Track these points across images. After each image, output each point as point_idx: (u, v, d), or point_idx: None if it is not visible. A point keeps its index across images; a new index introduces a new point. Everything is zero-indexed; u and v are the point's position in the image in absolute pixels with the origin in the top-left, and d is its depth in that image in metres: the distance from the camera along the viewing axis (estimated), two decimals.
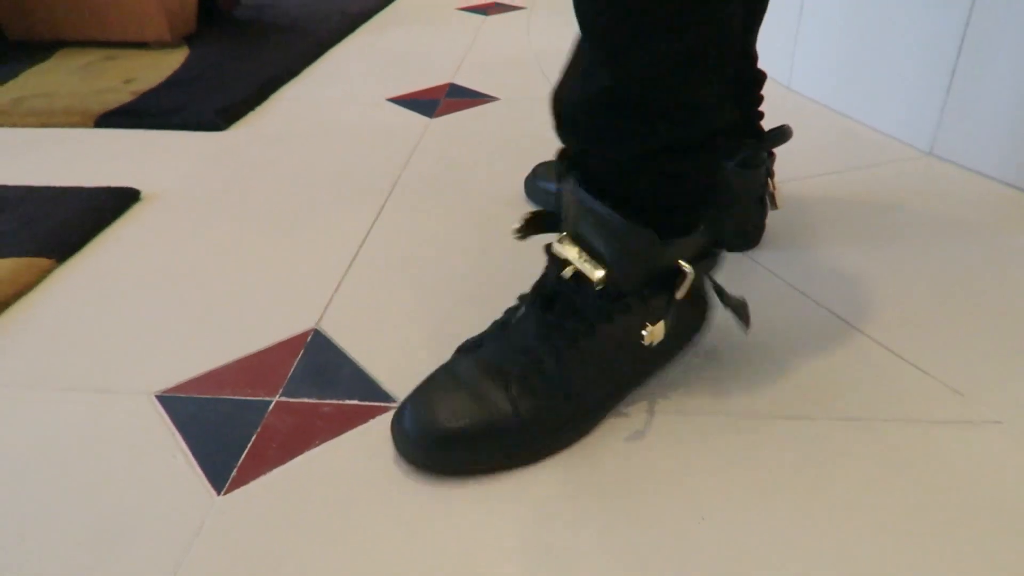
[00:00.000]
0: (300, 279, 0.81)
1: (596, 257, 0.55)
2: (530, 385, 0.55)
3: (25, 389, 0.66)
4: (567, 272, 0.56)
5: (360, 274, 0.81)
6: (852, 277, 0.79)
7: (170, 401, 0.64)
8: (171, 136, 1.20)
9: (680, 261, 0.56)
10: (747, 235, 0.81)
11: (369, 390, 0.64)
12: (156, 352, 0.70)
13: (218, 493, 0.55)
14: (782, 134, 0.74)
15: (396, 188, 1.01)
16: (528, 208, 0.94)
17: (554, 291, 0.57)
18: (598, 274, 0.54)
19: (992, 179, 0.98)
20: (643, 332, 0.55)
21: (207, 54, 1.59)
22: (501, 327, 0.60)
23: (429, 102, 1.32)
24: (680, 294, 0.57)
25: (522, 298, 0.61)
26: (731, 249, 0.78)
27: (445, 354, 0.66)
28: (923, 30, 1.03)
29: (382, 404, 0.63)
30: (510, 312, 0.61)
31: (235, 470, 0.57)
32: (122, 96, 1.34)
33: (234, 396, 0.64)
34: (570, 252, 0.56)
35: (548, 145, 1.12)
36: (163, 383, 0.66)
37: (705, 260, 0.59)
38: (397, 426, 0.56)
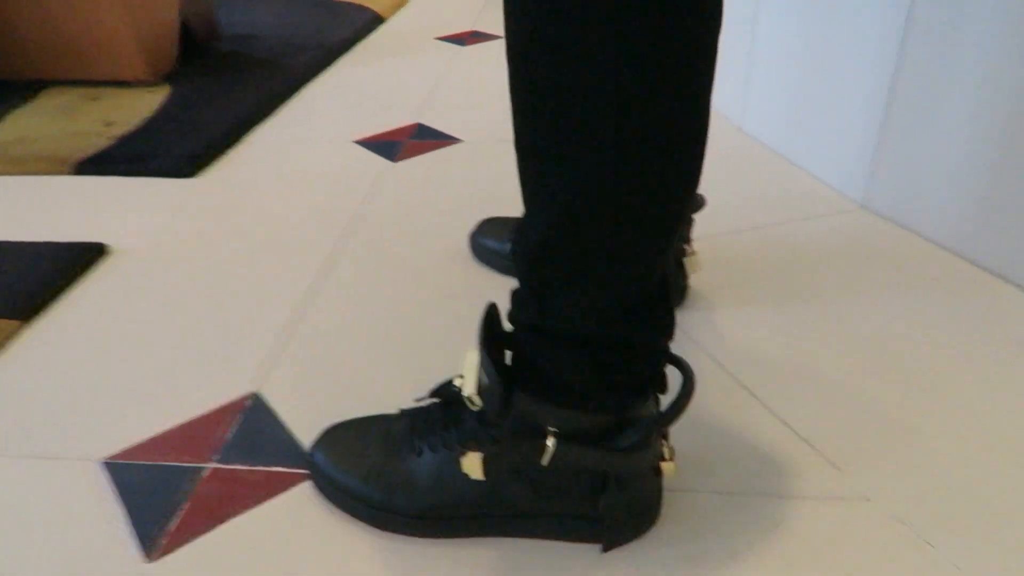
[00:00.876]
0: (245, 339, 0.86)
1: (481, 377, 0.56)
2: (386, 472, 0.61)
3: None
4: (457, 381, 0.58)
5: (304, 333, 0.87)
6: (765, 341, 0.84)
7: (115, 467, 0.70)
8: (142, 183, 1.26)
9: (551, 428, 0.53)
10: (640, 520, 0.61)
11: (299, 459, 0.70)
12: (107, 416, 0.76)
13: (147, 560, 0.61)
14: (673, 411, 0.55)
15: (347, 240, 1.06)
16: (474, 266, 1.00)
17: (450, 395, 0.60)
18: (467, 391, 0.55)
19: (920, 236, 1.03)
20: (462, 458, 0.56)
21: (186, 93, 1.64)
22: (424, 409, 0.64)
23: (393, 144, 1.38)
24: (543, 460, 0.54)
25: (431, 392, 0.64)
26: (620, 540, 0.60)
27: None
28: (856, 81, 1.07)
29: (307, 472, 0.68)
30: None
31: (165, 537, 0.63)
32: (101, 140, 1.40)
33: (173, 462, 0.70)
34: (468, 363, 0.57)
35: (503, 194, 1.17)
36: (110, 449, 0.72)
37: (592, 450, 0.54)
38: (311, 449, 0.67)
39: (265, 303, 0.93)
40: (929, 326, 0.85)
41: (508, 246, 0.97)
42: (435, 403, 0.63)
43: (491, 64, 1.82)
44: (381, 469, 0.61)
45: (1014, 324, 0.85)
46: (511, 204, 1.08)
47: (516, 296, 0.56)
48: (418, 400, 0.64)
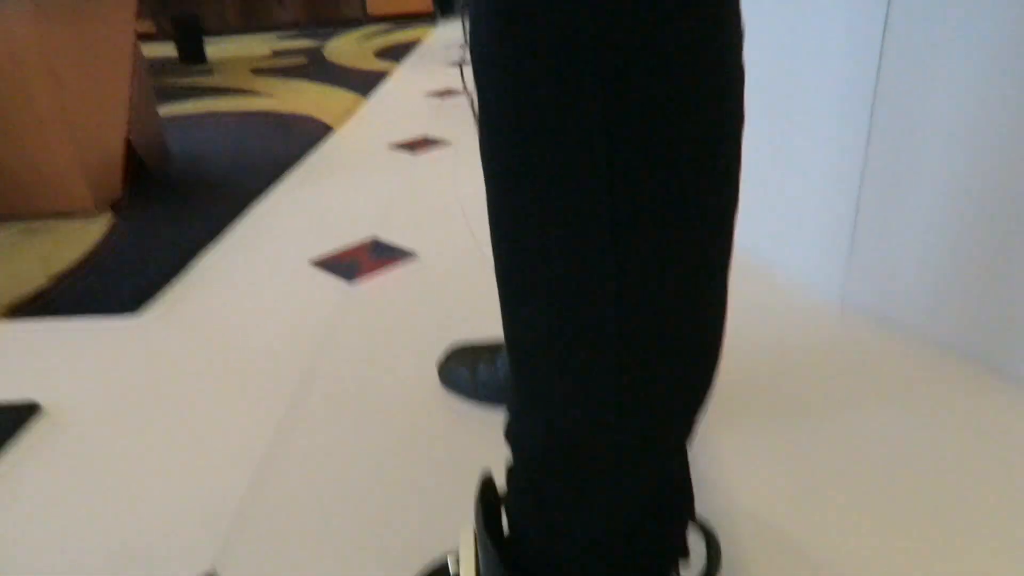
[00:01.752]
0: (199, 509, 0.77)
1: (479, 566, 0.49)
2: None
3: None
4: (452, 566, 0.52)
5: (266, 500, 0.78)
6: (739, 464, 0.78)
7: None
8: (83, 326, 1.18)
9: None
10: None
11: None
12: None
13: None
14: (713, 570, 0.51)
15: (309, 383, 0.99)
16: (443, 395, 0.93)
17: None
18: None
19: (899, 332, 1.00)
20: None
21: (130, 222, 1.58)
22: None
23: (350, 265, 1.33)
24: None
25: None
26: None
27: None
28: (825, 178, 1.06)
29: None
30: None
31: None
32: (38, 280, 1.32)
33: None
34: (464, 543, 0.51)
35: (468, 311, 1.13)
36: None
37: None
38: None
39: (221, 464, 0.85)
40: (937, 443, 0.81)
41: (479, 374, 0.91)
42: None
43: (445, 172, 1.80)
44: None
45: (1016, 425, 0.81)
46: (483, 318, 1.03)
47: (512, 481, 0.48)
48: None
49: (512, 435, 0.46)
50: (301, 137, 2.15)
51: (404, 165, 1.88)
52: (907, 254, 0.96)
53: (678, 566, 0.50)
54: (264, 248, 1.43)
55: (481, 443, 0.48)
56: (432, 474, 0.80)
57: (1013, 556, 0.64)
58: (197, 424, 0.91)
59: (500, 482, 0.50)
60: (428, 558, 0.67)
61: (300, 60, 3.66)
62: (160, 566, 0.70)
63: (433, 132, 2.16)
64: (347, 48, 3.98)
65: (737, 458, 0.78)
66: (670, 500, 0.47)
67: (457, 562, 0.50)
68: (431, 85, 2.83)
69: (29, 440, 0.91)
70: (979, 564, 0.64)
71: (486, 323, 1.07)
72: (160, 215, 1.61)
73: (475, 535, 0.50)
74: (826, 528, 0.69)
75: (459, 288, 1.21)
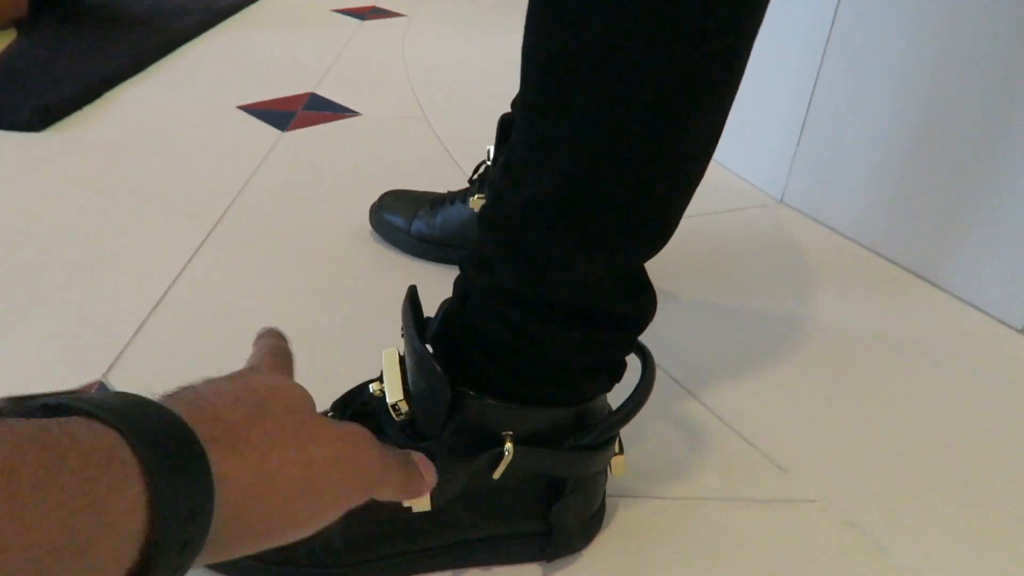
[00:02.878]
0: (96, 319, 0.71)
1: (405, 382, 0.45)
2: None
3: None
4: (374, 387, 0.47)
5: (167, 317, 0.73)
6: (691, 335, 0.78)
7: None
8: None
9: (506, 432, 0.44)
10: (589, 525, 0.53)
11: None
12: None
13: None
14: (640, 396, 0.48)
15: (229, 212, 0.92)
16: (376, 245, 0.88)
17: (362, 406, 0.48)
18: (392, 398, 0.44)
19: (834, 231, 1.01)
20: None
21: (37, 43, 1.42)
22: None
23: (284, 113, 1.24)
24: (496, 473, 0.44)
25: (334, 405, 0.51)
26: (572, 549, 0.52)
27: None
28: (779, 78, 1.05)
29: None
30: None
31: None
32: None
33: None
34: (389, 362, 0.46)
35: (406, 172, 1.07)
36: None
37: (557, 453, 0.46)
38: None
39: (124, 280, 0.78)
40: (856, 323, 0.82)
41: (416, 224, 0.86)
42: (330, 415, 0.50)
43: (394, 41, 1.70)
44: None
45: (938, 320, 0.83)
46: (417, 181, 0.98)
47: (483, 264, 0.44)
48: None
49: (502, 200, 0.41)
50: None
51: (350, 29, 1.76)
52: (848, 161, 0.97)
53: (610, 386, 0.49)
54: (189, 88, 1.32)
55: (407, 285, 0.45)
56: (354, 309, 0.75)
57: (927, 425, 0.66)
58: (107, 241, 0.83)
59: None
60: (336, 391, 0.63)
61: None
62: (50, 370, 0.64)
63: (384, 3, 2.03)
64: None
65: (666, 323, 0.78)
66: (645, 287, 0.45)
67: (379, 382, 0.46)
68: None
69: None
70: (894, 434, 0.66)
71: (428, 184, 1.02)
72: (72, 40, 1.45)
73: (398, 353, 0.46)
74: (744, 398, 0.69)
75: (400, 149, 1.14)
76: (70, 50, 1.39)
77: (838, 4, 0.94)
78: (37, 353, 0.66)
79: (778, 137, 1.07)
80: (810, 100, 1.00)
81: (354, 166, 1.07)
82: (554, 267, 0.41)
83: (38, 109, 1.11)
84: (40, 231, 0.85)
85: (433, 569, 0.50)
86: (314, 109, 1.27)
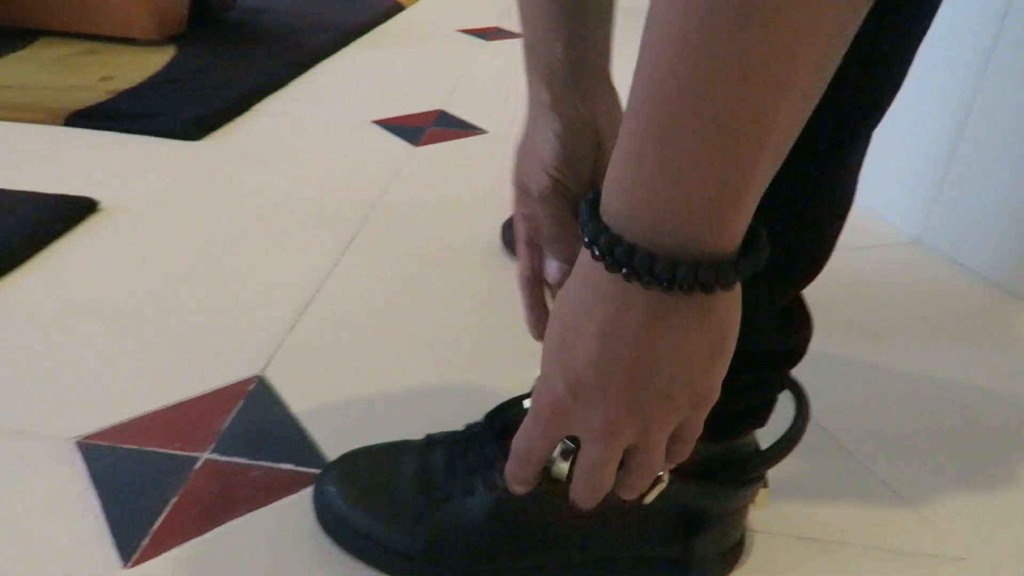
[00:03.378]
0: (251, 318, 0.76)
1: None
2: (432, 522, 0.49)
3: None
4: (528, 403, 0.48)
5: (316, 318, 0.77)
6: (830, 379, 0.76)
7: (91, 449, 0.59)
8: (142, 142, 1.16)
9: None
10: (727, 557, 0.53)
11: (306, 455, 0.60)
12: (85, 390, 0.65)
13: (125, 565, 0.50)
14: (794, 435, 0.48)
15: (368, 223, 0.97)
16: (506, 262, 0.91)
17: (515, 419, 0.48)
18: None
19: (976, 274, 0.96)
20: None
21: (193, 56, 1.54)
22: (463, 436, 0.52)
23: (415, 128, 1.29)
24: (647, 498, 0.43)
25: (488, 416, 0.52)
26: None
27: (397, 423, 0.63)
28: (923, 122, 1.01)
29: (316, 472, 0.58)
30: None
31: (148, 538, 0.52)
32: (97, 94, 1.29)
33: (160, 449, 0.60)
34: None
35: None
36: (86, 427, 0.61)
37: (707, 485, 0.46)
38: (318, 480, 0.53)
39: (275, 280, 0.83)
40: (998, 371, 0.77)
41: None
42: (481, 429, 0.51)
43: (517, 61, 1.74)
44: (421, 513, 0.49)
45: None
46: None
47: None
48: (469, 426, 0.53)
49: None
50: (370, 9, 2.08)
51: (475, 49, 1.82)
52: (995, 201, 0.92)
53: (763, 423, 0.48)
54: (327, 102, 1.39)
55: None
56: (483, 328, 0.78)
57: None
58: (257, 242, 0.89)
59: None
60: (473, 395, 0.65)
61: None
62: (206, 366, 0.69)
63: (507, 24, 2.08)
64: None
65: (809, 375, 0.76)
66: (795, 313, 0.45)
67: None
68: None
69: (85, 232, 0.89)
70: None
71: None
72: (223, 55, 1.56)
73: None
74: (889, 447, 0.67)
75: None
76: (222, 64, 1.50)
77: (997, 34, 0.90)
78: (198, 348, 0.71)
79: (920, 172, 1.02)
80: (960, 134, 0.96)
81: (482, 182, 1.10)
82: None
83: (196, 119, 1.20)
84: (199, 234, 0.91)
85: None
86: (443, 126, 1.31)
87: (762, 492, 0.51)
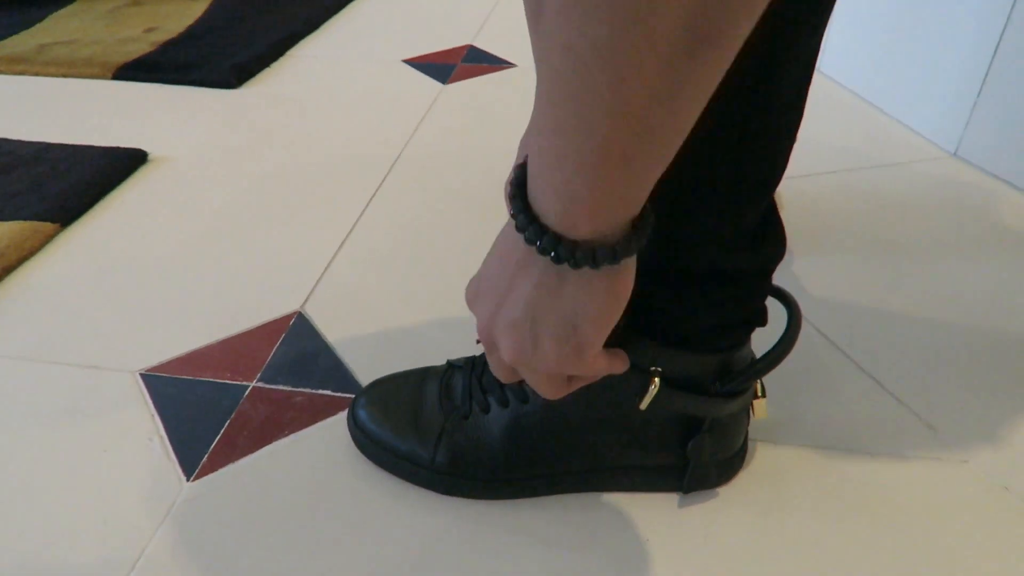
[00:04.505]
0: (291, 257, 0.82)
1: None
2: (453, 438, 0.54)
3: (19, 360, 0.69)
4: None
5: (351, 256, 0.82)
6: (848, 291, 0.77)
7: (153, 380, 0.66)
8: (186, 92, 1.21)
9: (655, 368, 0.48)
10: (729, 464, 0.56)
11: (343, 381, 0.66)
12: (145, 328, 0.72)
13: (188, 479, 0.57)
14: (783, 348, 0.50)
15: (398, 162, 1.00)
16: None
17: None
18: None
19: (1013, 187, 0.94)
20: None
21: (230, 3, 1.57)
22: (481, 359, 0.57)
23: (445, 66, 1.30)
24: (642, 404, 0.48)
25: None
26: (708, 485, 0.56)
27: (425, 350, 0.67)
28: (960, 30, 0.97)
29: (352, 396, 0.64)
30: None
31: (206, 456, 0.59)
32: (142, 46, 1.34)
33: (214, 379, 0.66)
34: None
35: None
36: (148, 361, 0.68)
37: (694, 395, 0.49)
38: (351, 405, 0.59)
39: (311, 222, 0.88)
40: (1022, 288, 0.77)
41: None
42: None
43: None
44: (443, 431, 0.55)
45: None
46: None
47: None
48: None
49: None
50: None
51: None
52: None
53: (749, 334, 0.51)
54: (359, 43, 1.41)
55: None
56: None
57: None
58: (295, 186, 0.94)
59: None
60: None
61: None
62: (251, 303, 0.75)
63: None
64: None
65: (816, 278, 0.77)
66: (768, 230, 0.47)
67: None
68: None
69: (138, 182, 0.96)
70: None
71: None
72: (256, 1, 1.59)
73: None
74: (895, 355, 0.69)
75: None
76: (257, 9, 1.53)
77: None
78: (244, 287, 0.77)
79: (956, 82, 0.99)
80: (999, 41, 0.93)
81: (513, 117, 1.12)
82: (678, 229, 0.43)
83: (235, 67, 1.24)
84: (240, 181, 0.97)
85: (577, 490, 0.56)
86: (473, 61, 1.32)
87: (760, 402, 0.54)
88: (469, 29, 1.47)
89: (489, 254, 0.38)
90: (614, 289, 0.35)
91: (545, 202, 0.32)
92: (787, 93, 0.40)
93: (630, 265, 0.35)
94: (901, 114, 1.10)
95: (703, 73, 0.26)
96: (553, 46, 0.27)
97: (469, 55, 1.35)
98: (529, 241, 0.33)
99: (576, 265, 0.33)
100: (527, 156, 0.33)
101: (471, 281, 0.40)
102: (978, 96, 0.97)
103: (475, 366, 0.56)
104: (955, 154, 1.01)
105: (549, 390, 0.40)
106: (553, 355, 0.36)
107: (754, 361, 0.50)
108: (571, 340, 0.36)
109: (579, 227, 0.32)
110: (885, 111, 1.12)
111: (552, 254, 0.32)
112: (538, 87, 0.30)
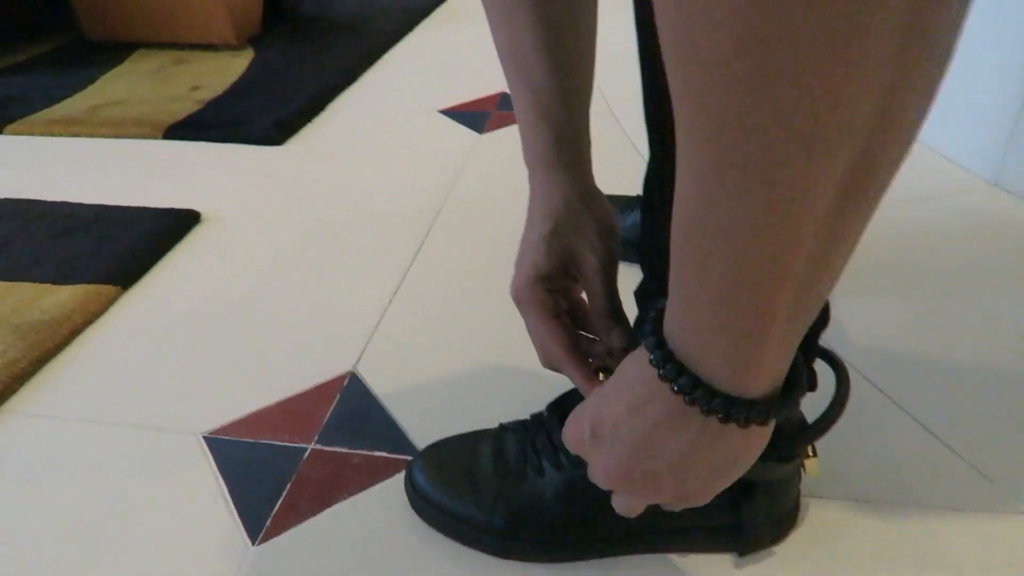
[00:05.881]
0: (342, 314, 0.84)
1: None
2: (509, 500, 0.56)
3: (87, 423, 0.72)
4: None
5: (400, 312, 0.84)
6: (890, 333, 0.77)
7: (215, 443, 0.69)
8: (232, 150, 1.26)
9: None
10: (781, 523, 0.57)
11: (397, 442, 0.68)
12: (205, 389, 0.75)
13: (253, 542, 0.59)
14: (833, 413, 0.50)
15: (442, 214, 1.03)
16: None
17: (568, 407, 0.54)
18: None
19: None
20: None
21: (270, 58, 1.63)
22: (532, 423, 0.58)
23: (479, 114, 1.33)
24: None
25: (549, 406, 0.58)
26: (762, 545, 0.56)
27: (478, 409, 0.69)
28: (996, 53, 0.97)
29: (408, 457, 0.66)
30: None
31: (270, 519, 0.61)
32: (189, 105, 1.40)
33: (273, 441, 0.69)
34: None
35: (600, 168, 1.12)
36: (210, 423, 0.71)
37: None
38: (407, 468, 0.61)
39: (361, 276, 0.91)
40: None
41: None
42: (546, 415, 0.57)
43: None
44: (499, 494, 0.56)
45: None
46: (605, 178, 1.03)
47: (646, 300, 0.50)
48: (535, 415, 0.59)
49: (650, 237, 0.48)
50: None
51: None
52: None
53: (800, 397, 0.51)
54: (395, 94, 1.45)
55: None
56: None
57: None
58: (341, 243, 0.97)
59: None
60: (540, 383, 0.71)
61: None
62: (305, 364, 0.78)
63: None
64: None
65: (857, 321, 0.77)
66: None
67: None
68: None
69: (192, 242, 1.00)
70: None
71: (620, 180, 1.07)
72: (296, 53, 1.65)
73: None
74: (944, 401, 0.68)
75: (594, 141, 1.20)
76: (296, 62, 1.59)
77: None
78: (298, 346, 0.80)
79: (994, 111, 0.99)
80: None
81: None
82: None
83: (278, 124, 1.29)
84: (287, 237, 1.00)
85: (635, 552, 0.57)
86: (506, 108, 1.35)
87: (812, 461, 0.54)
88: (500, 74, 1.50)
89: (608, 396, 0.37)
90: (749, 446, 0.36)
91: (711, 367, 0.32)
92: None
93: (771, 425, 0.36)
94: (936, 142, 1.10)
95: (854, 231, 0.27)
96: (707, 224, 0.27)
97: (503, 101, 1.38)
98: (697, 403, 0.32)
99: (746, 424, 0.33)
100: (665, 319, 0.34)
101: (579, 416, 0.40)
102: (1016, 122, 0.96)
103: (528, 429, 0.58)
104: (995, 183, 1.01)
105: (631, 511, 0.42)
106: (698, 495, 0.37)
107: (805, 426, 0.51)
108: (718, 483, 0.37)
109: (753, 388, 0.32)
110: (924, 142, 1.12)
111: (721, 415, 0.33)
112: (675, 264, 0.31)
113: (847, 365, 0.51)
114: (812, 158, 0.22)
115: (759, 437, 0.35)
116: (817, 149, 0.22)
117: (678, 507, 0.40)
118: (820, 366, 0.52)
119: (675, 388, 0.33)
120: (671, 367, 0.33)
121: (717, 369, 0.32)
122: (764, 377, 0.32)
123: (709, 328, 0.31)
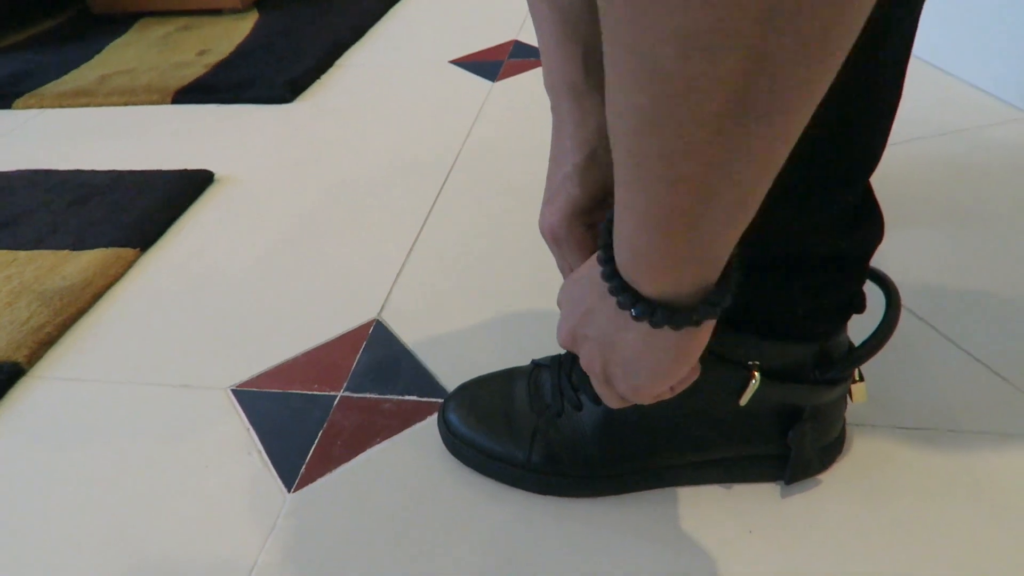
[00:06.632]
0: (363, 266, 0.83)
1: None
2: (547, 437, 0.54)
3: (116, 384, 0.71)
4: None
5: (420, 260, 0.83)
6: (931, 265, 0.74)
7: (244, 396, 0.68)
8: (243, 110, 1.24)
9: (752, 363, 0.47)
10: (828, 451, 0.55)
11: (427, 386, 0.67)
12: (230, 345, 0.74)
13: (289, 491, 0.59)
14: (884, 334, 0.49)
15: (457, 163, 1.01)
16: None
17: None
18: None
19: None
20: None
21: (275, 19, 1.60)
22: (568, 356, 0.57)
23: (492, 64, 1.30)
24: (742, 400, 0.48)
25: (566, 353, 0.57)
26: (809, 473, 0.55)
27: (505, 349, 0.68)
28: None
29: (439, 401, 0.65)
30: None
31: (304, 467, 0.61)
32: (196, 70, 1.38)
33: (302, 391, 0.68)
34: None
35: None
36: (237, 377, 0.70)
37: (798, 386, 0.49)
38: (440, 411, 0.60)
39: (379, 229, 0.89)
40: None
41: None
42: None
43: None
44: (536, 430, 0.55)
45: None
46: None
47: None
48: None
49: None
50: None
51: None
52: None
53: (847, 320, 0.50)
54: (404, 47, 1.42)
55: None
56: None
57: None
58: (357, 196, 0.96)
59: None
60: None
61: None
62: (329, 314, 0.76)
63: None
64: None
65: (899, 254, 0.75)
66: (866, 212, 0.45)
67: None
68: None
69: (206, 202, 0.98)
70: None
71: None
72: (301, 14, 1.61)
73: None
74: (989, 329, 0.66)
75: None
76: (302, 22, 1.55)
77: None
78: (321, 298, 0.79)
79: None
80: None
81: None
82: (767, 218, 0.42)
83: (288, 82, 1.26)
84: (304, 194, 0.98)
85: (677, 484, 0.55)
86: (519, 56, 1.32)
87: (859, 386, 0.53)
88: (512, 24, 1.47)
89: (584, 265, 0.39)
90: (685, 348, 0.35)
91: (632, 271, 0.33)
92: (887, 72, 0.39)
93: (708, 327, 0.35)
94: (970, 75, 1.06)
95: (760, 146, 0.25)
96: (610, 109, 0.27)
97: (515, 50, 1.35)
98: (604, 279, 0.34)
99: (656, 325, 0.33)
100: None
101: (565, 283, 0.41)
102: None
103: (562, 364, 0.56)
104: None
105: (610, 402, 0.42)
106: (645, 391, 0.38)
107: (853, 348, 0.49)
108: (630, 380, 0.38)
109: (642, 283, 0.32)
110: (952, 74, 1.08)
111: (619, 299, 0.34)
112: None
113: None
114: (690, 58, 0.22)
115: (667, 346, 0.35)
116: (695, 48, 0.22)
117: (634, 401, 0.41)
118: (869, 287, 0.50)
119: (609, 290, 0.34)
120: (607, 269, 0.34)
121: (636, 274, 0.32)
122: (658, 276, 0.32)
123: (617, 212, 0.31)
